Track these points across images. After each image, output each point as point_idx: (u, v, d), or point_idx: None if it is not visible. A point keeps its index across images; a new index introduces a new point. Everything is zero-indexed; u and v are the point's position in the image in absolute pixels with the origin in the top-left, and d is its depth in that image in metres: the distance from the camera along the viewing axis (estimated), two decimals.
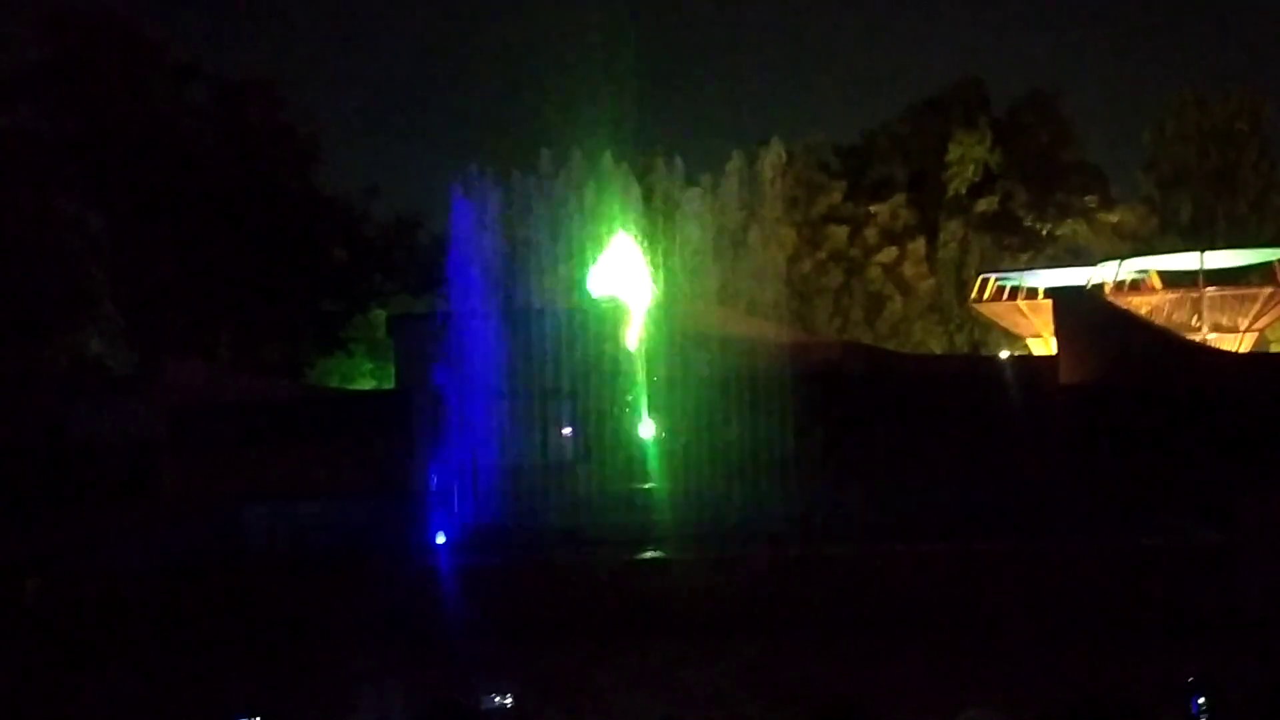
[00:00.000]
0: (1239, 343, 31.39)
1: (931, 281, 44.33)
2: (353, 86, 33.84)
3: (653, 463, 14.95)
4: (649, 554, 11.66)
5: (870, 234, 44.14)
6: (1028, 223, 45.10)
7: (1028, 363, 28.76)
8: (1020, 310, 35.39)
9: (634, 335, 15.53)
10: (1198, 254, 32.31)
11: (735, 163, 15.69)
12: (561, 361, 15.22)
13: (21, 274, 28.55)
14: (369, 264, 35.88)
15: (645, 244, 15.50)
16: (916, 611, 10.18)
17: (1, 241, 28.55)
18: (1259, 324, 31.86)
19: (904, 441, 15.97)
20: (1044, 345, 33.16)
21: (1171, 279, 34.51)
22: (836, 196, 44.13)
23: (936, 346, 43.13)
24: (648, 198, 16.06)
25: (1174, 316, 31.43)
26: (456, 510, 14.00)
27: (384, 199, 37.88)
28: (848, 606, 10.31)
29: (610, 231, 15.36)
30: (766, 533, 11.99)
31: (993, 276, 37.48)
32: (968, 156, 45.12)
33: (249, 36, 34.41)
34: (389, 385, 32.90)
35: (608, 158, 15.35)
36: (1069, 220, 44.54)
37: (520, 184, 15.15)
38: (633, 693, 9.06)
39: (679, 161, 15.89)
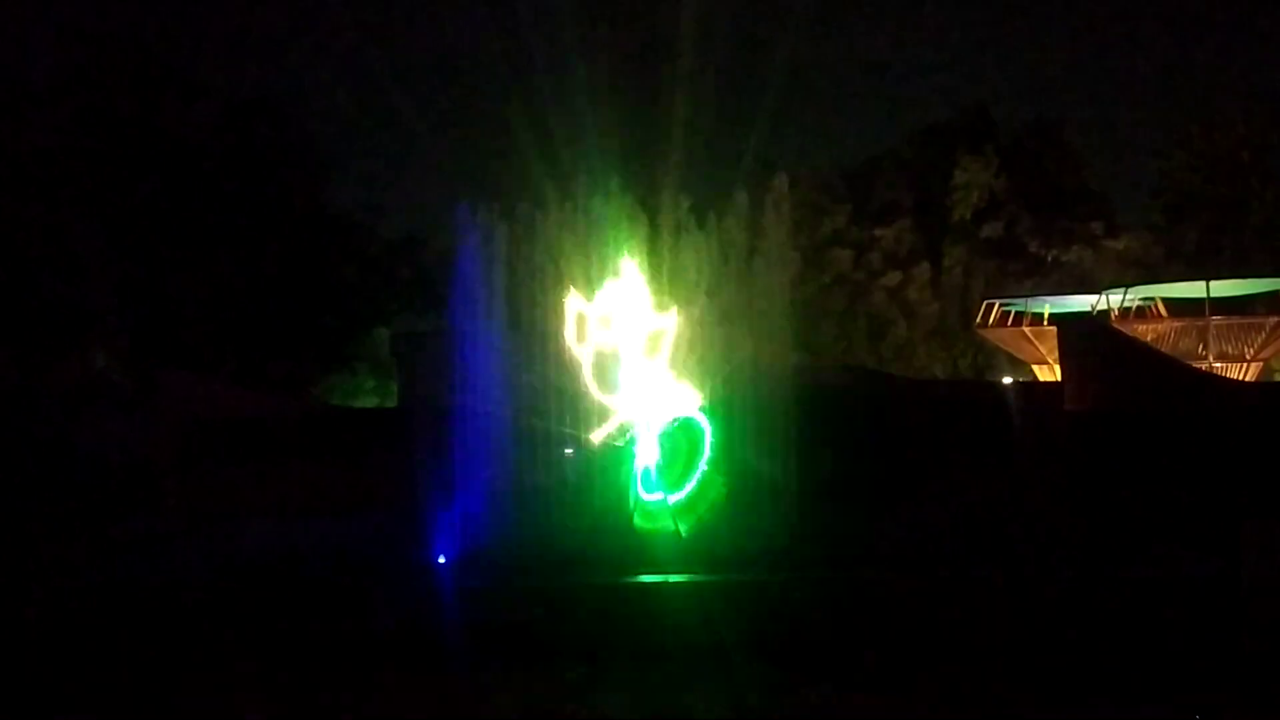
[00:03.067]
0: (1244, 371, 31.31)
1: (936, 306, 44.32)
2: (358, 106, 33.99)
3: (653, 486, 14.90)
4: (640, 578, 11.66)
5: (874, 258, 44.19)
6: (1033, 248, 45.11)
7: (1032, 389, 28.72)
8: (1025, 336, 35.37)
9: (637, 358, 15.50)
10: (1203, 282, 32.28)
11: (740, 195, 15.69)
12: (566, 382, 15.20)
13: (27, 289, 28.63)
14: (373, 282, 35.96)
15: (650, 270, 15.49)
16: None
17: (8, 256, 28.65)
18: (1265, 353, 31.79)
19: (906, 467, 15.90)
20: (1049, 371, 33.10)
21: (1177, 307, 34.47)
22: (841, 220, 44.22)
23: (940, 372, 43.09)
24: (653, 223, 16.07)
25: (1179, 345, 31.36)
26: (458, 530, 13.95)
27: (388, 217, 38.02)
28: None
29: (615, 257, 15.35)
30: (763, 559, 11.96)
31: (997, 302, 37.49)
32: (973, 182, 45.22)
33: (257, 56, 34.61)
34: (391, 403, 32.95)
35: (613, 184, 15.39)
36: (1074, 246, 44.55)
37: (524, 211, 15.17)
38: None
39: (684, 190, 15.90)
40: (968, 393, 26.00)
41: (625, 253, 15.43)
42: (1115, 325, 30.87)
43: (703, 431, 14.90)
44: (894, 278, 43.93)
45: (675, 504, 14.75)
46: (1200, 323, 31.85)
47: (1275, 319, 31.37)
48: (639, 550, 13.27)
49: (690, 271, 15.59)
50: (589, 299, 15.35)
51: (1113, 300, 34.45)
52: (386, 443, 17.26)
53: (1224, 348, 31.53)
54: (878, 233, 44.61)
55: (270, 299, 32.15)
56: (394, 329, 32.43)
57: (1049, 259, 44.92)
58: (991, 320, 36.99)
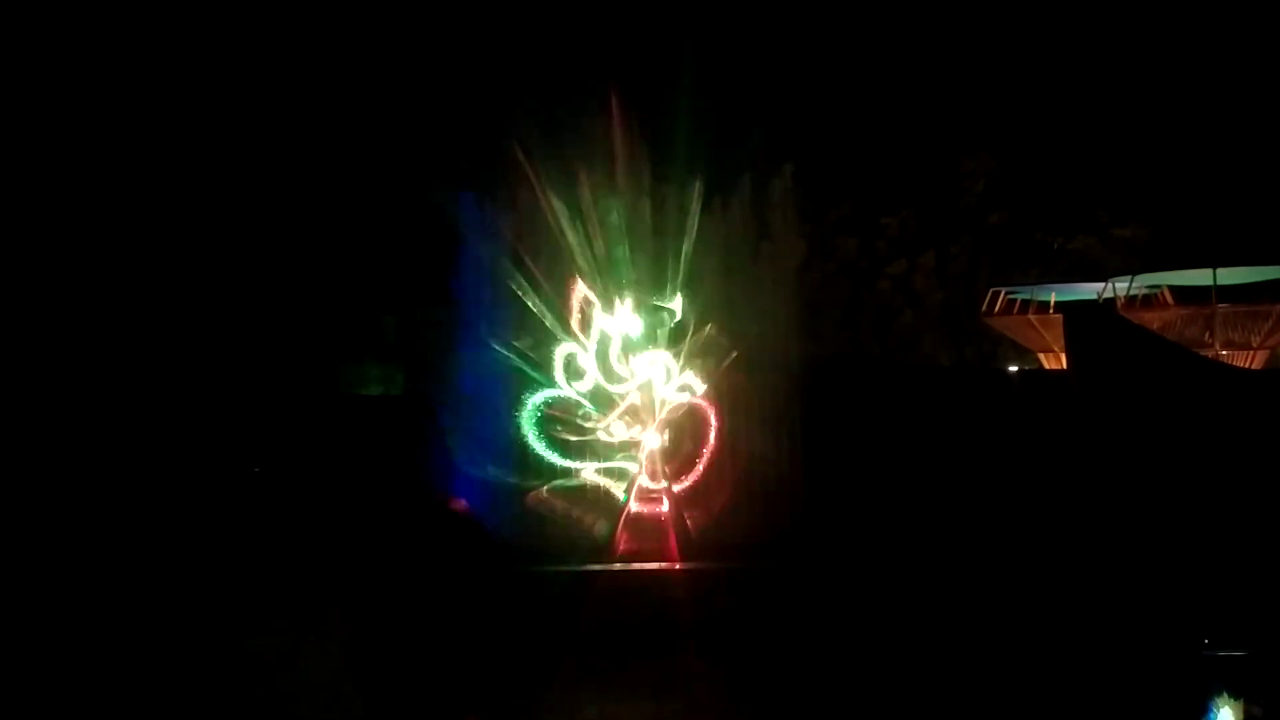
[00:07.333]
0: (1250, 359, 31.18)
1: (941, 294, 44.13)
2: (360, 95, 33.87)
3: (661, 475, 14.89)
4: (641, 565, 11.70)
5: (880, 246, 44.02)
6: (1039, 236, 44.85)
7: (1037, 377, 28.62)
8: (1031, 324, 35.23)
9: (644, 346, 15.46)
10: (1210, 270, 32.09)
11: (746, 183, 15.62)
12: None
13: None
14: (378, 271, 35.87)
15: (656, 257, 15.45)
16: None
17: None
18: (1271, 341, 31.63)
19: (910, 458, 15.84)
20: (1054, 360, 32.99)
21: (1184, 295, 34.30)
22: (846, 207, 44.01)
23: (946, 360, 42.92)
24: (659, 210, 16.01)
25: (1186, 332, 31.21)
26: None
27: (394, 207, 37.89)
28: None
29: (620, 245, 15.31)
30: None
31: (1003, 290, 37.32)
32: (979, 169, 44.96)
33: (257, 42, 34.51)
34: (396, 391, 32.95)
35: (618, 172, 15.33)
36: (1081, 234, 44.28)
37: (528, 200, 15.13)
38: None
39: (690, 178, 15.84)
40: (973, 381, 25.96)
41: (630, 240, 15.40)
42: (1122, 313, 30.74)
43: (707, 420, 14.89)
44: (899, 265, 43.75)
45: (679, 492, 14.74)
46: (1207, 311, 31.70)
47: None
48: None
49: (696, 259, 15.55)
50: (593, 287, 15.32)
51: (1119, 288, 34.28)
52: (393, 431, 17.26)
53: (1230, 335, 31.38)
54: (883, 220, 44.40)
55: (278, 286, 32.16)
56: (398, 318, 32.41)
57: (1055, 246, 44.67)
58: (997, 308, 36.84)
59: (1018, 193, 44.79)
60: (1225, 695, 7.21)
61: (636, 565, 12.50)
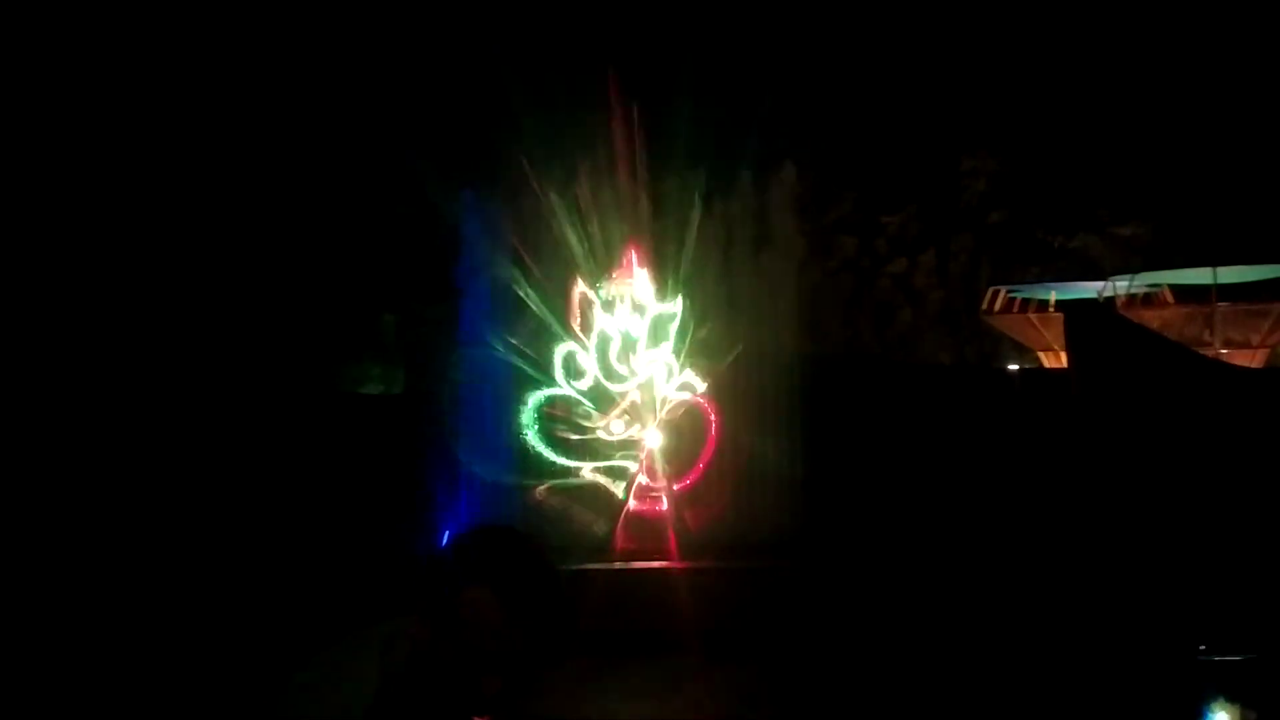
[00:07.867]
0: (1251, 358, 31.19)
1: (942, 293, 44.17)
2: (360, 93, 33.94)
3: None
4: (639, 564, 11.69)
5: (880, 244, 44.04)
6: (1039, 234, 44.88)
7: (1038, 376, 28.64)
8: (1031, 323, 35.25)
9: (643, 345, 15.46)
10: (1210, 268, 32.11)
11: (747, 181, 15.61)
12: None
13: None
14: (378, 269, 35.91)
15: (656, 256, 15.44)
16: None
17: None
18: (1271, 339, 31.65)
19: (910, 457, 15.84)
20: (1054, 358, 33.02)
21: (1184, 293, 34.32)
22: (847, 206, 44.03)
23: (946, 359, 42.95)
24: (659, 208, 16.00)
25: (1185, 331, 31.23)
26: (463, 515, 13.98)
27: (395, 204, 37.94)
28: None
29: (620, 243, 15.30)
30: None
31: (1004, 288, 37.34)
32: (979, 168, 44.98)
33: (255, 40, 34.54)
34: (397, 389, 33.04)
35: (619, 169, 15.31)
36: (1081, 233, 44.32)
37: (529, 198, 15.11)
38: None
39: (691, 176, 15.83)
40: (973, 380, 25.95)
41: (631, 239, 15.40)
42: (1122, 312, 30.75)
43: (708, 419, 14.88)
44: (900, 264, 43.78)
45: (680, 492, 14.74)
46: (1207, 309, 31.72)
47: None
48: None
49: (696, 258, 15.54)
50: (594, 286, 15.32)
51: (1119, 286, 34.30)
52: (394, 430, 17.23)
53: (1231, 334, 31.40)
54: (884, 219, 44.43)
55: (278, 285, 32.17)
56: (399, 316, 32.48)
57: (1055, 245, 44.71)
58: (998, 307, 36.86)
59: (1018, 191, 44.81)
60: (1221, 700, 7.22)
61: (636, 564, 12.51)
